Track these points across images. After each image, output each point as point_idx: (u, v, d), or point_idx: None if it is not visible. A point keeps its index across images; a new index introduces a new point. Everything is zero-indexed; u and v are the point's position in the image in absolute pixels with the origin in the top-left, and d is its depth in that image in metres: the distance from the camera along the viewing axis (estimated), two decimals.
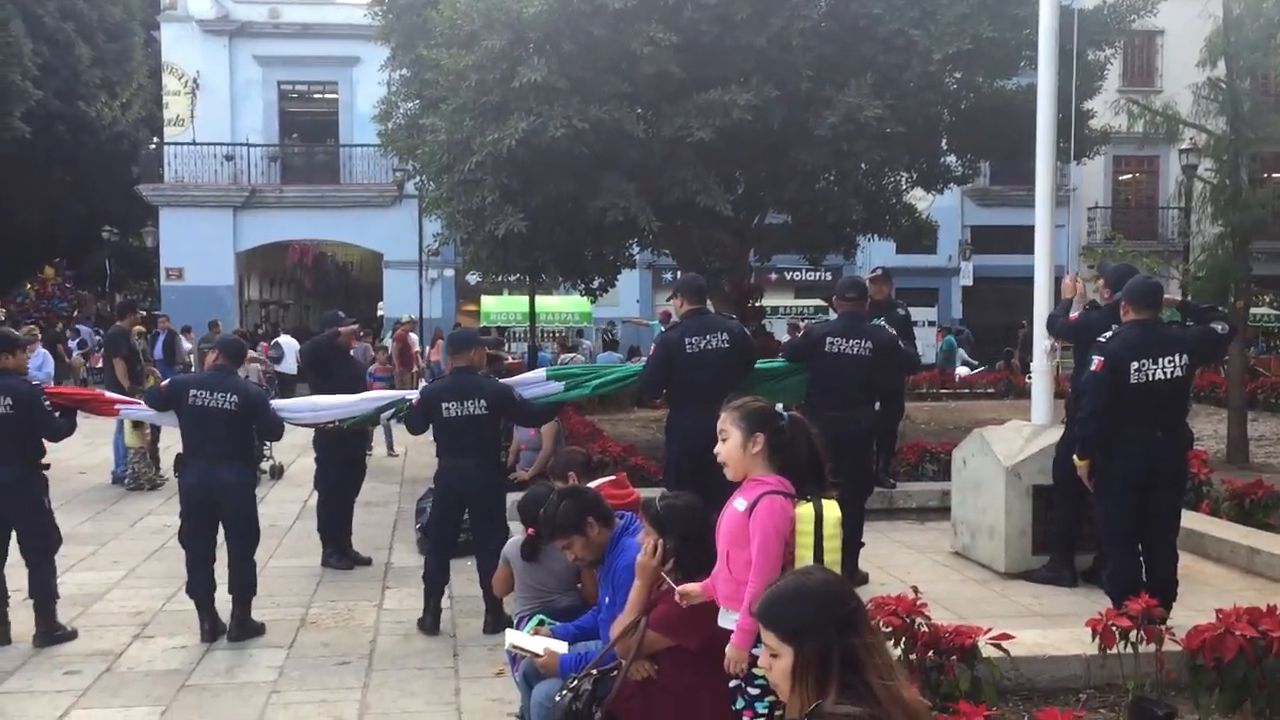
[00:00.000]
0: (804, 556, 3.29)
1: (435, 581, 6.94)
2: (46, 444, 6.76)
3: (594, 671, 3.77)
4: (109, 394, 8.20)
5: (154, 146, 32.11)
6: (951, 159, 14.86)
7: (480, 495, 6.89)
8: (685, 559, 3.76)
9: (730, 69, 11.14)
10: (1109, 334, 5.94)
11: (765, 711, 3.35)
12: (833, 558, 3.36)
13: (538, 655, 4.15)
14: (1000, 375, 20.83)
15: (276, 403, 7.42)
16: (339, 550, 8.64)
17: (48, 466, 6.80)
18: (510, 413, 7.27)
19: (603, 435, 11.51)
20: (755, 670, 3.34)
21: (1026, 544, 7.14)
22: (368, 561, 8.68)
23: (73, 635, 6.65)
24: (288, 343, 21.19)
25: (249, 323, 29.30)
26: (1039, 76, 7.53)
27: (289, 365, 19.91)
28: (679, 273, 22.19)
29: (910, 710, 2.34)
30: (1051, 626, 5.99)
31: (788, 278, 29.43)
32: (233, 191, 28.36)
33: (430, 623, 6.86)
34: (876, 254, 22.71)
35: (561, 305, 25.24)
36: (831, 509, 3.39)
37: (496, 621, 6.80)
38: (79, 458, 13.96)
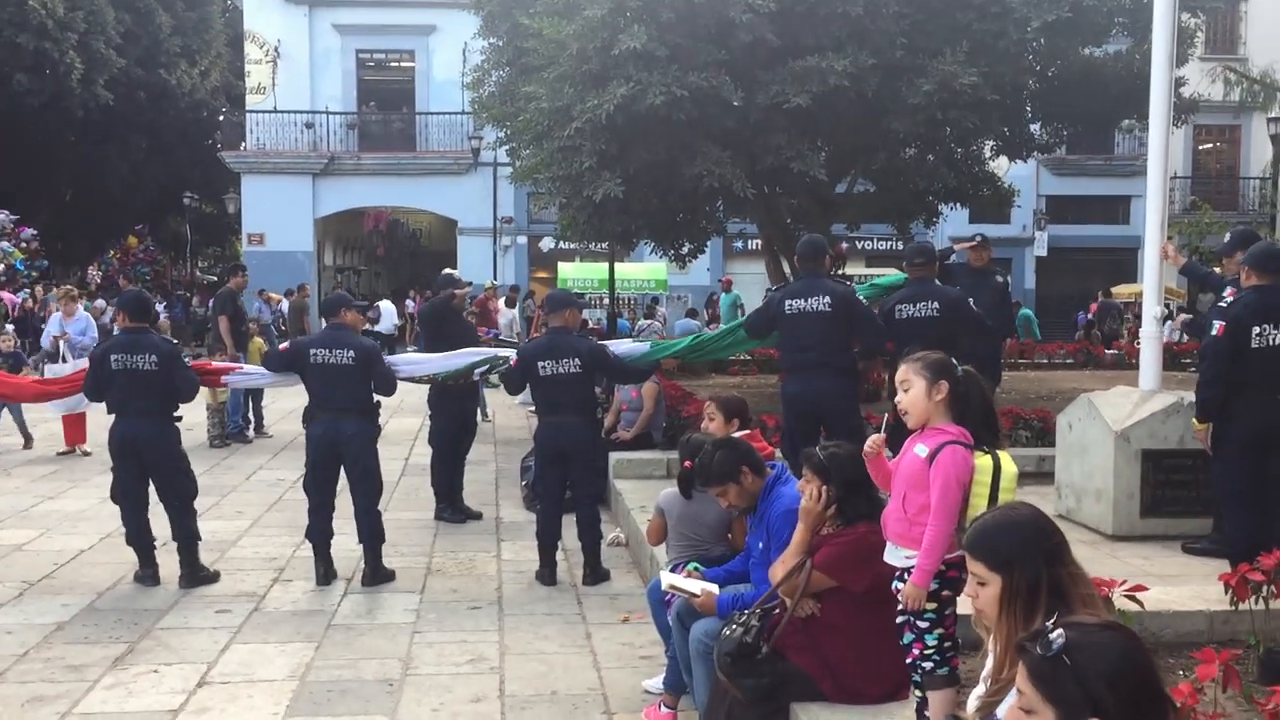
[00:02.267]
0: (978, 505, 3.47)
1: (549, 536, 7.21)
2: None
3: (758, 610, 3.99)
4: (213, 364, 8.51)
5: (230, 114, 32.68)
6: (1036, 127, 14.82)
7: (579, 449, 7.15)
8: (846, 505, 3.95)
9: (825, 36, 11.19)
10: (1230, 299, 6.02)
11: (935, 644, 3.56)
12: None
13: (695, 596, 4.37)
14: (1079, 345, 20.72)
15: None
16: (451, 505, 8.95)
17: (180, 419, 7.14)
18: (605, 370, 7.52)
19: (694, 398, 11.70)
20: (925, 605, 3.55)
21: (1135, 507, 7.21)
22: (478, 516, 8.98)
23: (216, 577, 7.01)
24: (386, 307, 22.26)
25: (325, 288, 29.79)
26: (1154, 40, 7.41)
27: (386, 327, 21.03)
28: (758, 243, 22.29)
29: None
30: (1165, 586, 6.11)
31: (859, 246, 29.38)
32: (312, 158, 28.84)
33: (548, 575, 7.13)
34: (950, 223, 22.63)
35: (638, 273, 25.41)
36: (1009, 463, 3.55)
37: (595, 574, 7.09)
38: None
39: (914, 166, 12.85)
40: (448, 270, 10.02)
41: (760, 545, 4.43)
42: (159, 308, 28.75)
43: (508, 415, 15.15)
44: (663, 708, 4.78)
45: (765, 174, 12.04)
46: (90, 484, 10.05)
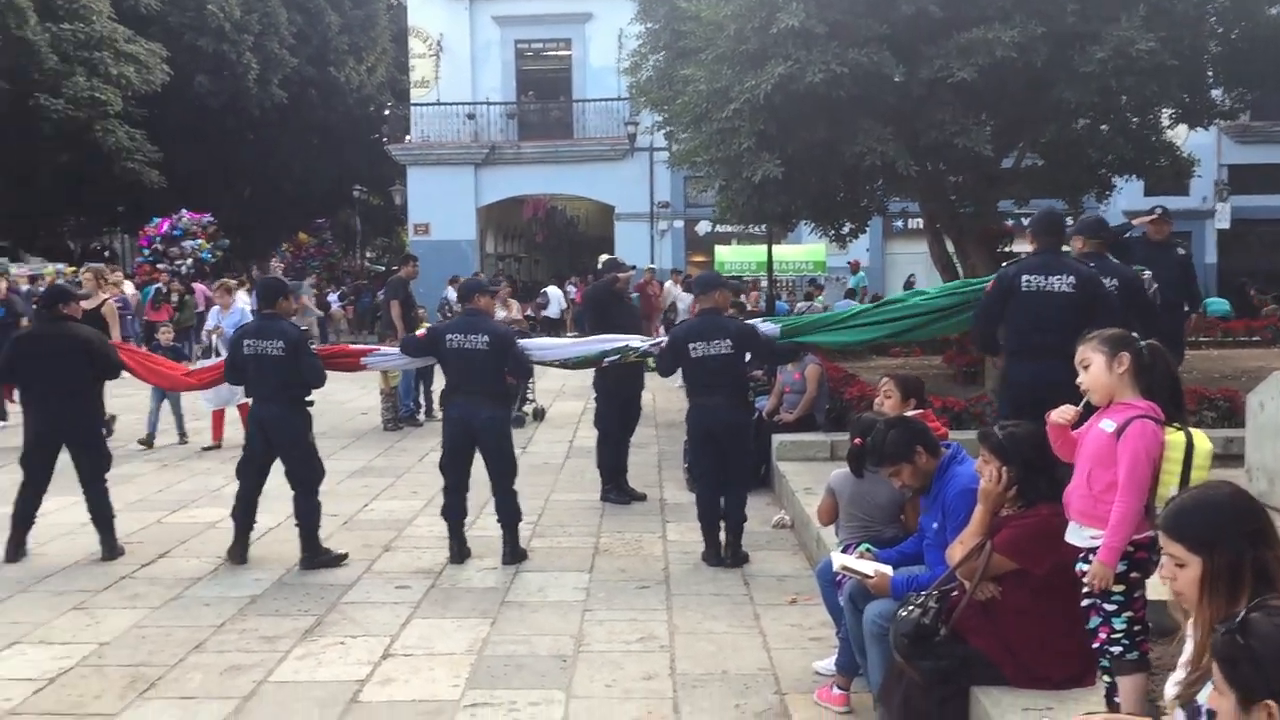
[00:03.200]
0: (1169, 484, 3.34)
1: (709, 517, 7.22)
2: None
3: (936, 591, 3.92)
4: (352, 348, 8.70)
5: (395, 108, 33.70)
6: (1217, 92, 14.07)
7: (729, 430, 7.13)
8: (1027, 486, 3.85)
9: (990, 6, 10.85)
10: None
11: (1124, 627, 3.45)
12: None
13: (868, 577, 4.33)
14: (1269, 321, 19.60)
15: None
16: (616, 486, 9.06)
17: (312, 404, 7.37)
18: (754, 350, 7.46)
19: (857, 380, 11.56)
20: (1113, 587, 3.44)
21: None
22: (643, 497, 9.07)
23: (340, 560, 7.20)
24: (553, 293, 23.53)
25: (487, 275, 30.48)
26: None
27: (554, 312, 22.21)
28: (919, 221, 21.81)
29: None
30: None
31: (1024, 224, 28.44)
32: (474, 149, 29.51)
33: (713, 556, 7.15)
34: (1124, 196, 21.67)
35: (796, 254, 25.15)
36: (1203, 440, 3.41)
37: (735, 556, 7.08)
38: (356, 400, 15.05)
39: (1086, 138, 12.37)
40: (610, 255, 10.14)
41: (935, 526, 4.35)
42: (332, 298, 29.95)
43: (668, 397, 15.23)
44: (835, 689, 4.75)
45: (928, 150, 11.75)
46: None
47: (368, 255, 45.54)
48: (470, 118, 29.55)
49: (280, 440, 7.22)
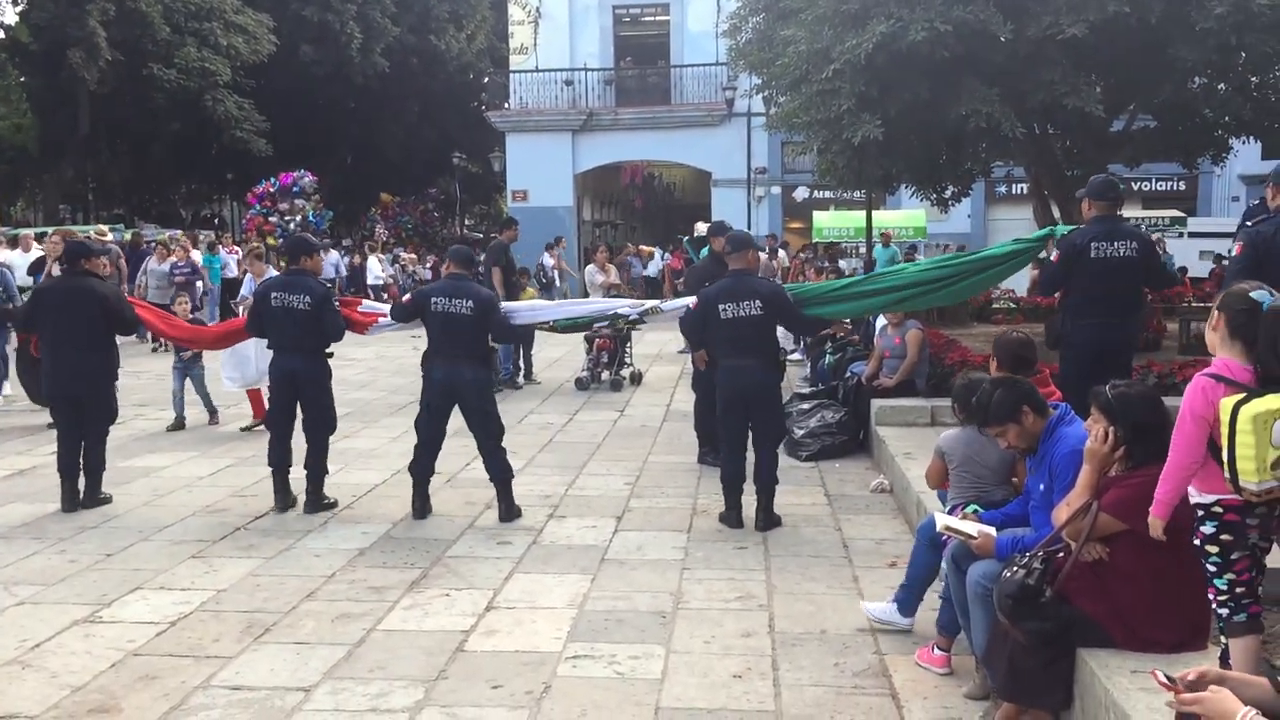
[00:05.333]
0: (1245, 455, 3.17)
1: (734, 480, 7.18)
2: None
3: (1041, 552, 3.88)
4: (364, 310, 8.31)
5: (494, 75, 33.95)
6: None
7: (759, 391, 7.08)
8: (1136, 447, 3.77)
9: None
10: None
11: (1225, 589, 3.44)
12: (1243, 453, 3.14)
13: (972, 538, 4.29)
14: None
15: (504, 305, 7.97)
16: (713, 449, 9.06)
17: (331, 355, 7.63)
18: (782, 315, 7.27)
19: (958, 345, 11.40)
20: (1208, 548, 3.44)
21: None
22: None
23: (334, 505, 7.60)
24: (658, 253, 25.47)
25: (584, 242, 30.63)
26: None
27: (652, 270, 24.01)
28: (1024, 186, 21.30)
29: None
30: None
31: (1135, 188, 27.61)
32: (572, 115, 29.60)
33: (734, 518, 7.14)
34: (1241, 160, 20.92)
35: (896, 220, 24.79)
36: (1259, 402, 3.16)
37: (768, 519, 7.06)
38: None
39: (1202, 98, 11.96)
40: (713, 221, 10.13)
41: (1041, 487, 4.30)
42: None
43: None
44: (935, 650, 4.74)
45: (1036, 111, 11.50)
46: (380, 425, 10.81)
47: (466, 222, 46.07)
48: (568, 84, 29.64)
49: (306, 391, 7.48)
